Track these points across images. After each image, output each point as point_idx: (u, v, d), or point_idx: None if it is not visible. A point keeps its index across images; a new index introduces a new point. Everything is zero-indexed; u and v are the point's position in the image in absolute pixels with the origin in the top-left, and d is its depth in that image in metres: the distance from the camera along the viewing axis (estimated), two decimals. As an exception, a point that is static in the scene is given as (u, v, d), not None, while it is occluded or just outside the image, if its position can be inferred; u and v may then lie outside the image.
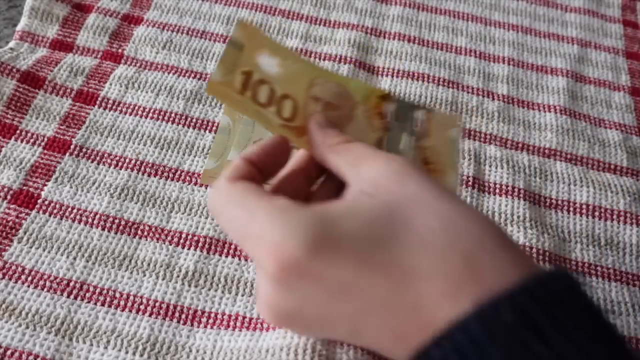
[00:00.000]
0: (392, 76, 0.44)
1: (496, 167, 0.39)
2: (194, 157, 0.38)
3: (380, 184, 0.23)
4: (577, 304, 0.19)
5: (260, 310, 0.24)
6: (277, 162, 0.27)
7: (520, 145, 0.41)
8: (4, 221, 0.34)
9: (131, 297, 0.32)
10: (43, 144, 0.37)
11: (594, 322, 0.19)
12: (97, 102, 0.40)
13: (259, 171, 0.26)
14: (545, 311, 0.19)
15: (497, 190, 0.38)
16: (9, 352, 0.29)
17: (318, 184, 0.28)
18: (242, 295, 0.32)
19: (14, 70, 0.39)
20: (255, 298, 0.26)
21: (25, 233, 0.33)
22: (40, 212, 0.34)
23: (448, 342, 0.19)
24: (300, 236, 0.21)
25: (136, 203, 0.35)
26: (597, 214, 0.38)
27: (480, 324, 0.19)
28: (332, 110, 0.29)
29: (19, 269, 0.32)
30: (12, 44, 0.42)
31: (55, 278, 0.32)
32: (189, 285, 0.32)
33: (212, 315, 0.31)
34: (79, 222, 0.34)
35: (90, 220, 0.34)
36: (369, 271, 0.21)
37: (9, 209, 0.34)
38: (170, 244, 0.34)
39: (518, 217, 0.37)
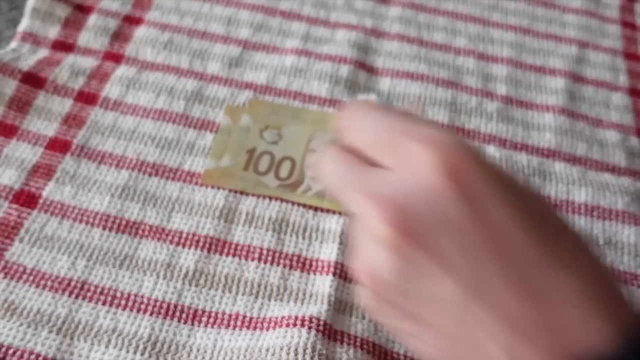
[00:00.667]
0: (392, 76, 0.44)
1: (495, 167, 0.39)
2: (195, 157, 0.38)
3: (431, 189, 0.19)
4: None
5: (379, 210, 0.19)
6: None
7: (519, 145, 0.41)
8: (6, 221, 0.34)
9: (132, 297, 0.32)
10: (44, 144, 0.37)
11: None
12: (98, 103, 0.40)
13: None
14: None
15: (496, 190, 0.38)
16: (10, 351, 0.29)
17: None
18: (243, 295, 0.32)
19: (16, 70, 0.40)
20: (371, 202, 0.19)
21: (26, 233, 0.34)
22: (42, 212, 0.34)
23: None
24: (468, 148, 0.18)
25: (137, 203, 0.35)
26: (595, 214, 0.38)
27: None
28: None
29: (20, 268, 0.32)
30: (13, 44, 0.42)
31: (57, 277, 0.32)
32: (190, 285, 0.33)
33: (213, 314, 0.32)
34: (80, 222, 0.34)
35: (91, 220, 0.34)
36: (528, 234, 0.18)
37: (10, 208, 0.34)
38: (171, 244, 0.34)
39: (517, 217, 0.37)
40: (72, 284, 0.32)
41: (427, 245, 0.18)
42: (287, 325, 0.30)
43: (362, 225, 0.20)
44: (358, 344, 0.30)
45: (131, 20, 0.45)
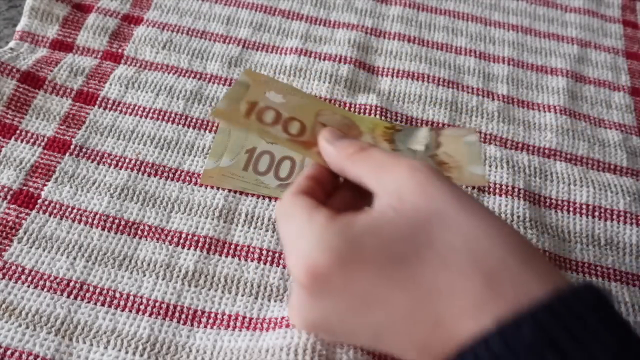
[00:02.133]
0: (392, 76, 0.44)
1: (496, 167, 0.39)
2: (194, 157, 0.38)
3: (405, 196, 0.23)
4: (601, 321, 0.19)
5: (291, 317, 0.27)
6: (334, 176, 0.28)
7: (520, 145, 0.41)
8: (4, 221, 0.34)
9: (131, 297, 0.32)
10: (43, 144, 0.37)
11: (619, 339, 0.19)
12: (97, 102, 0.40)
13: (319, 185, 0.27)
14: (566, 329, 0.19)
15: (497, 190, 0.38)
16: (9, 352, 0.29)
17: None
18: (242, 295, 0.32)
19: (14, 70, 0.40)
20: (288, 307, 0.28)
21: (25, 233, 0.33)
22: (40, 212, 0.34)
23: (470, 356, 0.20)
24: (326, 251, 0.23)
25: (136, 203, 0.35)
26: (597, 214, 0.38)
27: (501, 340, 0.19)
28: None
29: (19, 269, 0.32)
30: (12, 44, 0.42)
31: (55, 278, 0.32)
32: (189, 285, 0.32)
33: (212, 315, 0.31)
34: (79, 222, 0.34)
35: (90, 220, 0.34)
36: (388, 286, 0.22)
37: (9, 209, 0.34)
38: (170, 244, 0.34)
39: (518, 217, 0.37)
40: (71, 284, 0.32)
41: (326, 331, 0.26)
42: (287, 325, 0.30)
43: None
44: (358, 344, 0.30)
45: (130, 20, 0.45)
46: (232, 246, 0.34)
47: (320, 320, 0.25)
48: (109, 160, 0.37)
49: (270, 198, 0.36)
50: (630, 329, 0.20)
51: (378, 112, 0.41)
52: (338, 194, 0.28)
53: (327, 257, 0.23)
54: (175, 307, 0.32)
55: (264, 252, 0.34)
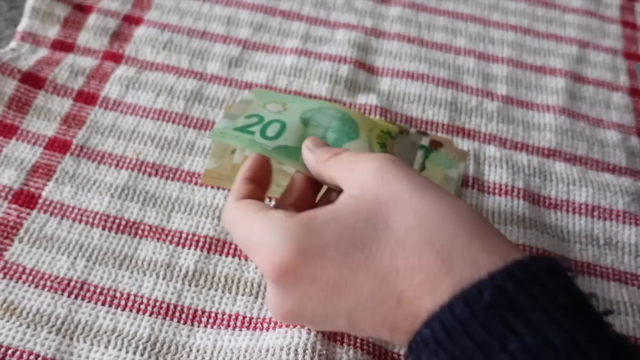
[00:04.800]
0: (392, 76, 0.44)
1: (495, 167, 0.39)
2: (194, 157, 0.38)
3: (365, 185, 0.25)
4: (554, 285, 0.20)
5: (270, 310, 0.27)
6: (268, 172, 0.30)
7: (519, 145, 0.41)
8: (5, 221, 0.34)
9: (132, 297, 0.32)
10: (44, 144, 0.37)
11: (572, 301, 0.20)
12: (98, 102, 0.40)
13: (258, 185, 0.29)
14: (523, 290, 0.20)
15: (497, 190, 0.38)
16: (9, 352, 0.29)
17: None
18: (242, 295, 0.32)
19: (15, 70, 0.40)
20: (265, 301, 0.29)
21: (26, 233, 0.33)
22: (41, 212, 0.34)
23: (436, 322, 0.21)
24: (289, 245, 0.24)
25: (136, 203, 0.35)
26: (596, 213, 0.38)
27: (463, 304, 0.20)
28: None
29: (20, 268, 0.32)
30: (13, 44, 0.42)
31: (56, 278, 0.32)
32: (189, 285, 0.32)
33: (213, 314, 0.32)
34: (80, 222, 0.34)
35: (90, 220, 0.34)
36: (352, 270, 0.24)
37: (9, 208, 0.34)
38: (171, 244, 0.34)
39: (517, 216, 0.37)
40: (72, 284, 0.32)
41: (303, 318, 0.27)
42: (287, 325, 0.30)
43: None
44: (358, 344, 0.30)
45: (131, 20, 0.45)
46: (233, 246, 0.34)
47: (296, 311, 0.26)
48: (109, 160, 0.37)
49: (270, 198, 0.36)
50: (580, 292, 0.21)
51: (378, 112, 0.41)
52: (321, 201, 0.30)
53: (291, 250, 0.24)
54: (175, 306, 0.32)
55: (264, 252, 0.34)
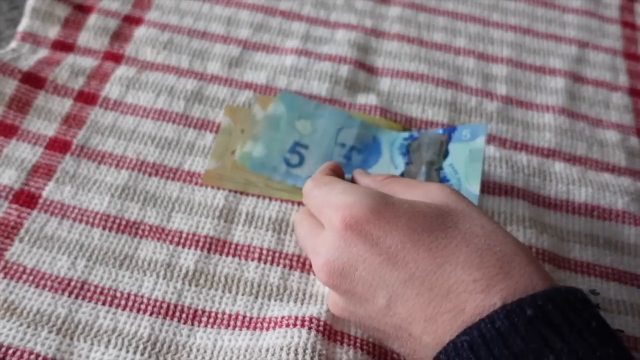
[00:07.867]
0: (392, 76, 0.44)
1: (495, 167, 0.39)
2: (194, 157, 0.38)
3: (436, 198, 0.28)
4: (588, 313, 0.23)
5: (318, 265, 0.28)
6: (340, 172, 0.34)
7: (519, 145, 0.41)
8: (6, 221, 0.34)
9: (132, 297, 0.32)
10: (44, 144, 0.37)
11: (602, 329, 0.22)
12: (98, 103, 0.40)
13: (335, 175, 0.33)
14: (562, 313, 0.22)
15: (497, 190, 0.38)
16: (10, 351, 0.29)
17: None
18: (243, 295, 0.32)
19: (16, 70, 0.40)
20: (315, 259, 0.29)
21: (26, 233, 0.34)
22: (42, 211, 0.34)
23: (476, 330, 0.22)
24: (366, 203, 0.27)
25: (137, 203, 0.35)
26: (595, 213, 0.38)
27: (505, 317, 0.22)
28: None
29: (20, 268, 0.32)
30: (13, 44, 0.42)
31: (57, 277, 0.32)
32: (190, 285, 0.33)
33: (213, 314, 0.32)
34: (80, 222, 0.34)
35: (91, 220, 0.34)
36: (415, 246, 0.25)
37: (10, 208, 0.34)
38: (171, 244, 0.34)
39: (517, 216, 0.37)
40: (72, 284, 0.32)
41: (348, 281, 0.27)
42: (287, 325, 0.30)
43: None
44: (358, 344, 0.30)
45: (131, 20, 0.45)
46: (233, 246, 0.34)
47: (346, 269, 0.27)
48: (109, 160, 0.37)
49: (270, 198, 0.36)
50: (608, 324, 0.23)
51: (378, 112, 0.41)
52: None
53: (368, 207, 0.26)
54: (175, 306, 0.32)
55: (264, 252, 0.34)
